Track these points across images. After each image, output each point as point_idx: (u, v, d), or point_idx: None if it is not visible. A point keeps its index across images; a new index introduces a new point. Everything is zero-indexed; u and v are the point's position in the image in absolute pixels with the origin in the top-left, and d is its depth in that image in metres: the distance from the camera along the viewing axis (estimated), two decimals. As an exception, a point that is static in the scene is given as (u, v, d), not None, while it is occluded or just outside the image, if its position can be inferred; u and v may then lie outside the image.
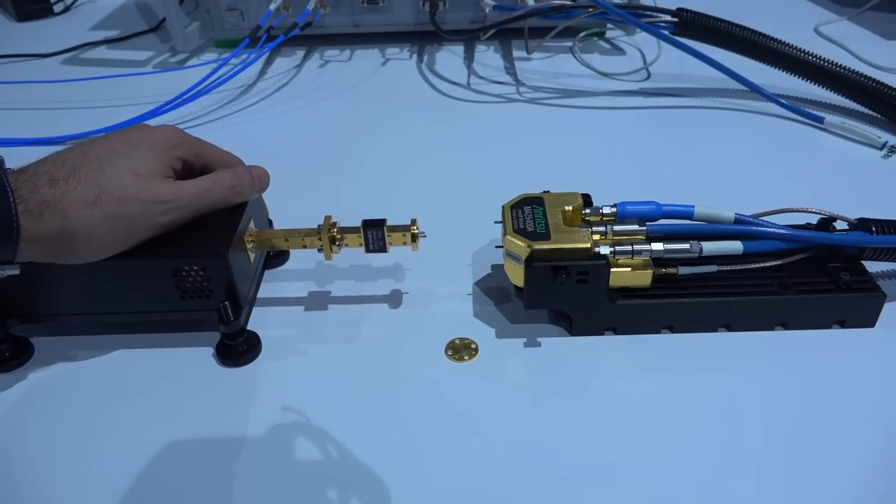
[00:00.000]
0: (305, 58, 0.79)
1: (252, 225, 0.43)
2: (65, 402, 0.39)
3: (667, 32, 0.65)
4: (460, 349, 0.41)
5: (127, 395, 0.39)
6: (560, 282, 0.39)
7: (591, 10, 0.66)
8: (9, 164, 0.63)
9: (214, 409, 0.38)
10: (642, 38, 0.80)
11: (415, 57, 0.79)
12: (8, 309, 0.40)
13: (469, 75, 0.74)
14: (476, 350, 0.41)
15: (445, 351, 0.41)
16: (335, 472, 0.34)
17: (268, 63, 0.78)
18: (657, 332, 0.42)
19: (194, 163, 0.41)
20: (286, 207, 0.48)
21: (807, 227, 0.44)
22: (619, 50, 0.79)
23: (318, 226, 0.42)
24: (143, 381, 0.40)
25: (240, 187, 0.41)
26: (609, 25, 0.82)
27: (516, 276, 0.40)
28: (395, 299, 0.45)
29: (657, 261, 0.41)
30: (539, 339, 0.41)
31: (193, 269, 0.39)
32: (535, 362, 0.40)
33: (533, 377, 0.39)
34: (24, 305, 0.40)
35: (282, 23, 0.73)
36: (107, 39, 0.86)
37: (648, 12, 0.65)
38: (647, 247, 0.40)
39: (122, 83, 0.74)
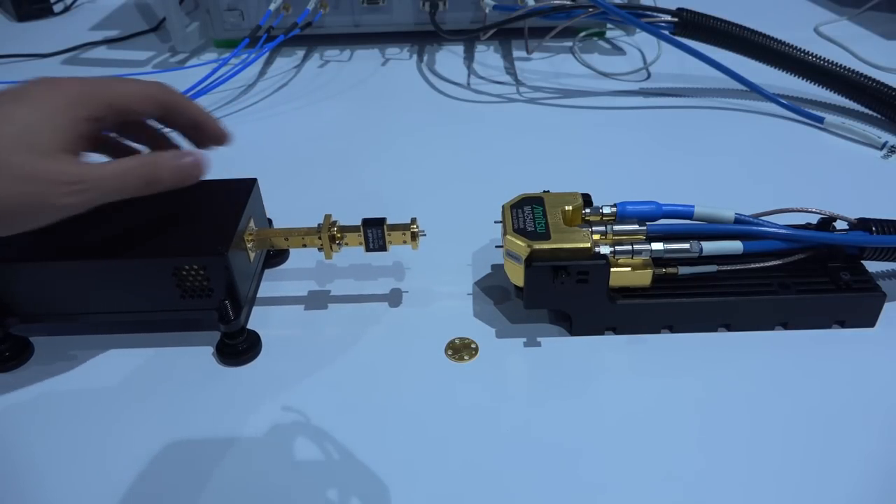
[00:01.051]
0: (305, 58, 0.79)
1: (252, 224, 0.43)
2: (64, 401, 0.39)
3: (667, 32, 0.65)
4: (460, 349, 0.41)
5: (127, 395, 0.39)
6: (560, 282, 0.39)
7: (591, 10, 0.66)
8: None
9: (214, 409, 0.38)
10: (642, 38, 0.80)
11: (415, 57, 0.79)
12: (7, 308, 0.40)
13: (469, 75, 0.74)
14: (476, 350, 0.41)
15: (445, 351, 0.41)
16: (334, 471, 0.34)
17: (268, 63, 0.78)
18: (657, 331, 0.42)
19: (110, 117, 0.34)
20: (286, 206, 0.48)
21: (807, 226, 0.44)
22: (619, 50, 0.79)
23: (318, 225, 0.42)
24: (144, 380, 0.40)
25: (153, 177, 0.35)
26: (609, 25, 0.82)
27: (516, 275, 0.40)
28: (395, 298, 0.45)
29: (657, 261, 0.41)
30: (539, 339, 0.41)
31: (194, 269, 0.39)
32: (535, 362, 0.40)
33: (533, 377, 0.39)
34: (24, 305, 0.40)
35: (282, 23, 0.73)
36: (107, 39, 0.86)
37: (648, 12, 0.65)
38: (647, 247, 0.40)
39: (122, 83, 0.74)
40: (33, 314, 0.41)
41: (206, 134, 0.39)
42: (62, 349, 0.42)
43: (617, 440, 0.35)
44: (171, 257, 0.39)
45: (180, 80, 0.70)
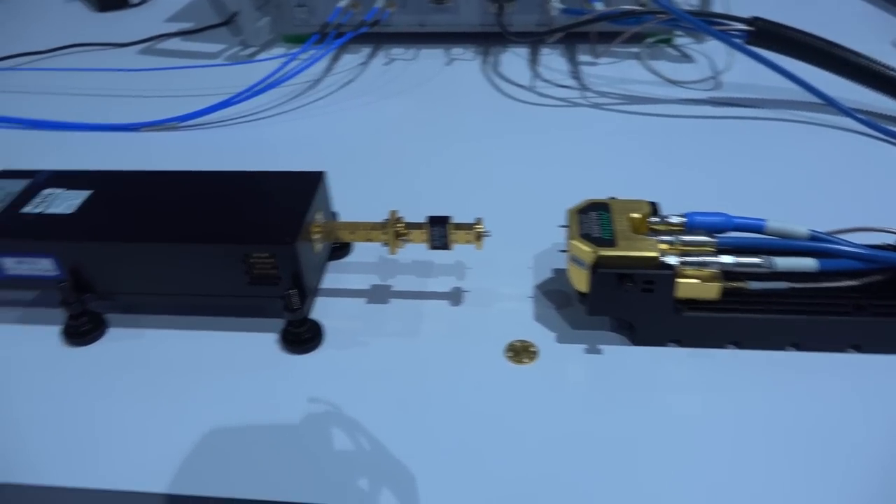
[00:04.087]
0: (371, 55, 0.80)
1: (319, 216, 0.43)
2: (133, 375, 0.40)
3: (740, 41, 0.64)
4: (520, 351, 0.41)
5: (191, 373, 0.40)
6: (625, 289, 0.39)
7: (661, 15, 0.65)
8: (84, 150, 0.66)
9: (275, 393, 0.39)
10: (712, 45, 0.78)
11: (479, 58, 0.79)
12: (86, 285, 0.42)
13: (533, 78, 0.74)
14: (536, 353, 0.41)
15: (505, 352, 0.41)
16: (384, 465, 0.35)
17: (334, 59, 0.80)
18: (722, 346, 0.41)
19: None
20: (347, 200, 0.48)
21: (885, 247, 0.42)
22: (687, 57, 0.78)
23: (384, 220, 0.43)
24: (208, 360, 0.41)
25: None
26: (677, 32, 0.81)
27: (580, 281, 0.40)
28: (455, 297, 0.45)
29: (726, 274, 0.40)
30: (600, 347, 0.41)
31: (263, 257, 0.40)
32: (596, 369, 0.40)
33: (592, 384, 0.39)
34: (101, 282, 0.42)
35: (350, 20, 0.74)
36: (180, 31, 0.88)
37: (722, 20, 0.64)
38: (716, 259, 0.39)
39: (194, 74, 0.76)
40: (109, 291, 0.42)
41: None
42: (134, 326, 0.43)
43: (675, 455, 0.35)
44: (243, 244, 0.40)
45: (249, 74, 0.72)
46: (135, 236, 0.41)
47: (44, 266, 0.42)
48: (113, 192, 0.45)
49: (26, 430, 0.38)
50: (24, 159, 0.61)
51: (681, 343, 0.41)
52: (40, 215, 0.43)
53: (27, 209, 0.43)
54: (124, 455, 0.36)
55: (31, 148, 0.65)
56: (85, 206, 0.43)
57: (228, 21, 0.90)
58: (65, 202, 0.43)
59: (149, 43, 0.85)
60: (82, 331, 0.42)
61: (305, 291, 0.41)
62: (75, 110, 0.70)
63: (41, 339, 0.43)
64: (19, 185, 0.45)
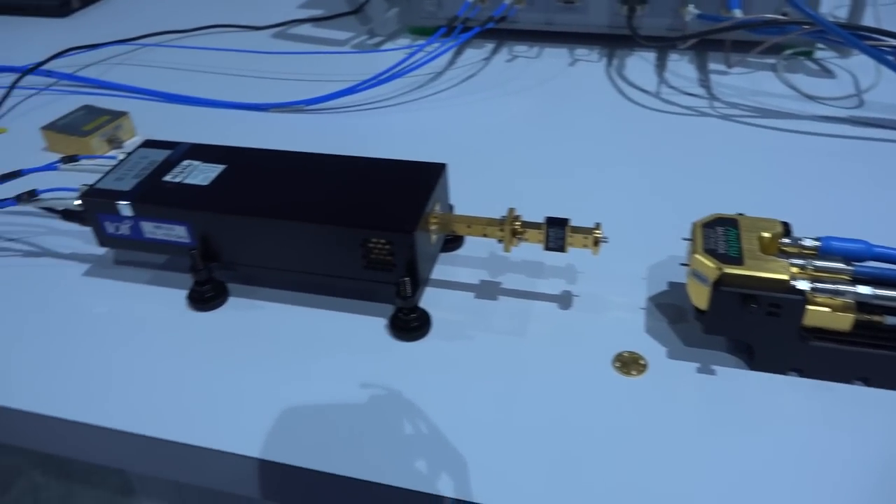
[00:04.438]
0: (495, 51, 0.80)
1: (438, 207, 0.44)
2: (246, 343, 0.42)
3: (892, 58, 0.59)
4: (629, 363, 0.40)
5: (301, 348, 0.42)
6: (748, 311, 0.37)
7: (807, 27, 0.62)
8: (217, 125, 0.69)
9: (379, 377, 0.40)
10: (856, 61, 0.73)
11: (604, 60, 0.77)
12: (213, 254, 0.44)
13: (660, 84, 0.72)
14: (645, 366, 0.39)
15: (613, 362, 0.40)
16: (476, 460, 0.35)
17: (457, 53, 0.80)
18: (848, 381, 0.38)
19: None
20: (461, 193, 0.49)
21: None
22: (827, 72, 0.73)
23: (502, 217, 0.43)
24: (319, 337, 0.43)
25: None
26: (819, 45, 0.76)
27: (699, 297, 0.38)
28: (564, 300, 0.44)
29: (861, 305, 0.37)
30: (714, 367, 0.39)
31: (381, 243, 0.41)
32: (708, 390, 0.38)
33: (703, 404, 0.37)
34: (227, 253, 0.44)
35: (477, 15, 0.75)
36: (311, 18, 0.92)
37: (873, 34, 0.60)
38: (851, 288, 0.37)
39: (322, 60, 0.79)
40: (233, 262, 0.45)
41: None
42: (252, 298, 0.46)
43: (782, 490, 0.33)
44: (362, 229, 0.41)
45: (375, 62, 0.73)
46: (262, 212, 0.43)
47: (178, 232, 0.45)
48: (244, 167, 0.47)
49: (146, 383, 0.40)
50: (163, 130, 0.65)
51: (802, 373, 0.39)
52: (179, 185, 0.45)
53: (168, 178, 0.46)
54: (229, 417, 0.38)
55: (170, 120, 0.69)
56: (219, 179, 0.46)
57: (358, 10, 0.93)
58: (202, 174, 0.46)
59: (282, 27, 0.89)
60: (206, 297, 0.45)
61: (418, 280, 0.41)
62: (211, 87, 0.74)
63: (168, 300, 0.46)
64: (161, 154, 0.49)
